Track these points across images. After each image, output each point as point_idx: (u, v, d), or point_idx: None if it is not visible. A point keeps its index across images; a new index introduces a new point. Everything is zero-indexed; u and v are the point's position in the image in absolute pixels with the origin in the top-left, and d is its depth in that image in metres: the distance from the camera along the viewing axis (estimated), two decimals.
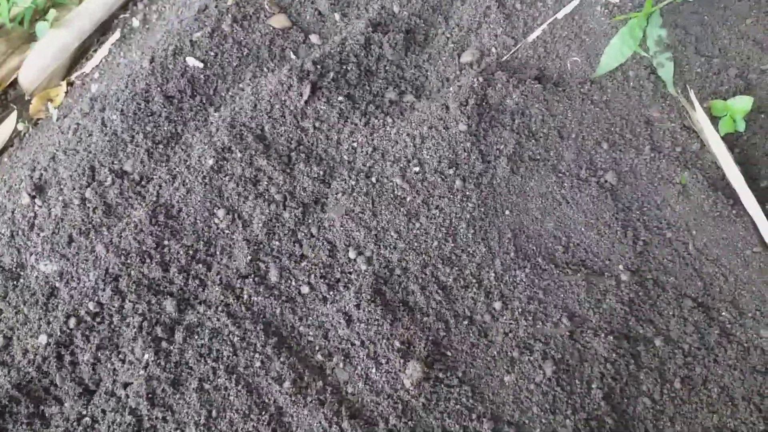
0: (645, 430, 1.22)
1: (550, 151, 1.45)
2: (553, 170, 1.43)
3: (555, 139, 1.46)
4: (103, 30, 2.24)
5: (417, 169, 1.39)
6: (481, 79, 1.44)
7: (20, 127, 1.98)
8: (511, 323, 1.28)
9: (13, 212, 1.47)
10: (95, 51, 2.15)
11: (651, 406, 1.24)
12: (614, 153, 1.48)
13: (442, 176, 1.38)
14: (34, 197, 1.46)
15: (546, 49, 1.57)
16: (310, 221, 1.38)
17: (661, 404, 1.24)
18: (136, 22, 2.13)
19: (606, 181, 1.45)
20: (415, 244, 1.34)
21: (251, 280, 1.32)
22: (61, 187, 1.44)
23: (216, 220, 1.37)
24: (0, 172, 1.75)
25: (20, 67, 2.40)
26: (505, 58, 1.56)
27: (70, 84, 2.08)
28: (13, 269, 1.39)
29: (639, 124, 1.51)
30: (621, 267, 1.36)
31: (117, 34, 2.11)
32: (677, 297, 1.34)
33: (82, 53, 2.21)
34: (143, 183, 1.42)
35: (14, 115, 2.01)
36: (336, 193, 1.39)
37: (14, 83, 2.41)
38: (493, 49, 1.57)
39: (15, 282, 1.37)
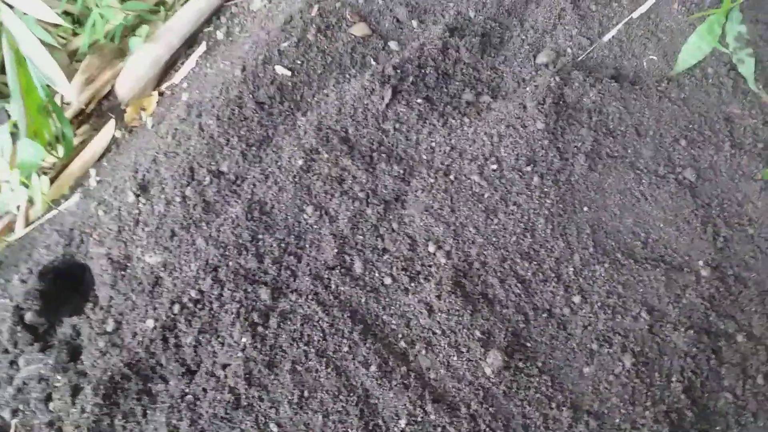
0: (726, 425, 1.21)
1: (627, 148, 1.46)
2: (631, 167, 1.44)
3: (633, 137, 1.47)
4: (189, 43, 2.40)
5: (495, 166, 1.43)
6: (558, 78, 1.47)
7: (117, 134, 2.15)
8: (590, 316, 1.30)
9: (119, 210, 1.61)
10: (183, 63, 2.31)
11: (733, 401, 1.23)
12: (693, 150, 1.47)
13: (520, 173, 1.42)
14: (138, 196, 1.59)
15: (622, 48, 1.58)
16: (391, 217, 1.44)
17: (743, 400, 1.23)
18: (220, 35, 2.28)
19: (685, 178, 1.44)
20: (494, 239, 1.38)
21: (338, 271, 1.39)
22: (163, 186, 1.57)
23: (305, 216, 1.46)
24: (102, 175, 1.91)
25: (113, 79, 2.60)
26: (580, 58, 1.58)
27: (161, 94, 2.24)
28: (121, 261, 1.52)
29: (718, 120, 1.50)
30: (701, 263, 1.35)
31: (203, 47, 2.26)
32: (760, 293, 1.32)
33: (170, 65, 2.37)
34: (238, 182, 1.52)
35: (112, 123, 2.18)
36: (416, 191, 1.45)
37: (108, 94, 2.61)
38: (569, 50, 1.60)
39: (123, 272, 1.50)
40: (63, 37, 2.59)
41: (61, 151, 2.12)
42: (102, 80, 2.64)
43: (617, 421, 1.22)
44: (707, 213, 1.40)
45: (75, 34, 2.69)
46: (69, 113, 2.32)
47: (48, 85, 1.97)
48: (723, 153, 1.46)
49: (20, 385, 1.42)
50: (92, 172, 1.89)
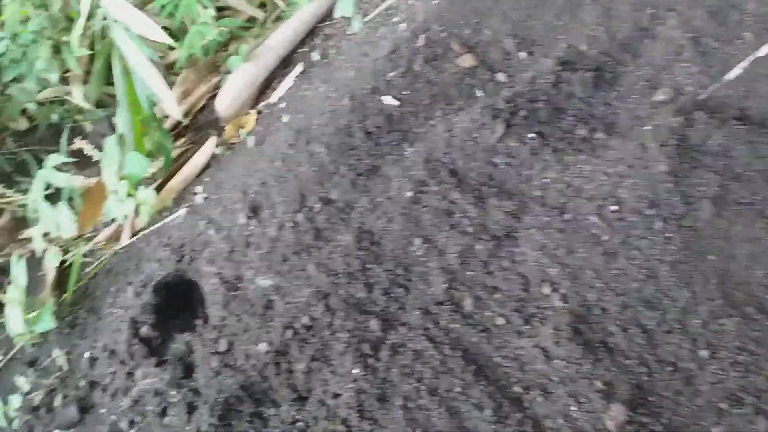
0: None
1: (756, 195, 1.36)
2: (761, 215, 1.34)
3: (762, 183, 1.36)
4: (284, 64, 2.43)
5: (614, 207, 1.36)
6: (681, 119, 1.39)
7: (217, 150, 2.20)
8: (719, 373, 1.21)
9: (230, 230, 1.63)
10: (279, 82, 2.34)
11: None
12: None
13: (642, 216, 1.34)
14: (250, 218, 1.61)
15: (746, 87, 1.48)
16: (502, 254, 1.39)
17: None
18: (315, 57, 2.29)
19: None
20: (614, 284, 1.31)
21: (447, 307, 1.35)
22: (274, 210, 1.58)
23: (413, 248, 1.43)
24: (208, 192, 1.95)
25: (207, 94, 2.67)
26: (701, 97, 1.49)
27: (259, 112, 2.28)
28: (232, 281, 1.54)
29: None
30: None
31: (299, 68, 2.28)
32: None
33: (267, 85, 2.41)
34: (347, 210, 1.51)
35: (213, 140, 2.23)
36: (528, 228, 1.40)
37: (202, 108, 2.68)
38: (688, 88, 1.51)
39: (234, 293, 1.52)
40: (160, 52, 2.68)
41: (160, 163, 2.18)
42: (197, 94, 2.71)
43: None
44: None
45: (171, 49, 2.78)
46: (166, 126, 2.39)
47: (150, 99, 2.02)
48: None
49: (137, 397, 1.45)
50: (199, 189, 1.94)
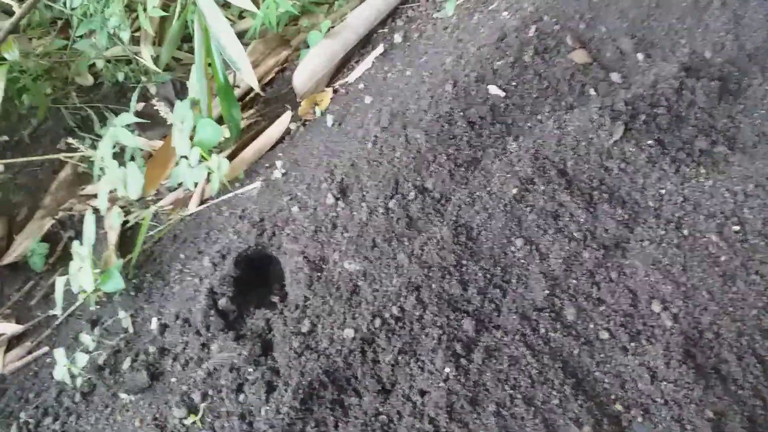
0: None
1: None
2: None
3: None
4: (362, 44, 2.42)
5: (737, 228, 1.33)
6: None
7: (291, 125, 2.20)
8: None
9: (315, 209, 1.63)
10: (357, 62, 2.33)
11: None
12: None
13: (766, 240, 1.31)
14: (338, 199, 1.60)
15: None
16: (609, 265, 1.37)
17: None
18: (397, 38, 2.27)
19: None
20: (731, 308, 1.28)
21: (547, 314, 1.34)
22: (365, 193, 1.57)
23: (513, 249, 1.41)
24: (287, 168, 1.94)
25: (277, 66, 2.67)
26: None
27: (335, 91, 2.27)
28: (317, 262, 1.54)
29: None
30: None
31: (380, 48, 2.27)
32: None
33: (344, 63, 2.41)
34: (443, 202, 1.50)
35: (288, 114, 2.23)
36: (640, 240, 1.37)
37: (271, 82, 2.69)
38: None
39: (319, 274, 1.52)
40: (230, 20, 2.69)
41: (228, 132, 2.19)
42: (266, 67, 2.72)
43: None
44: None
45: (241, 18, 2.79)
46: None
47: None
48: None
49: (211, 370, 1.47)
50: (277, 163, 1.94)
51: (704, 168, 1.41)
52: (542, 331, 1.32)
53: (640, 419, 1.21)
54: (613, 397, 1.25)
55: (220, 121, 2.13)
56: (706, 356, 1.24)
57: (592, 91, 1.60)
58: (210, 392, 1.44)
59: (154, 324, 1.67)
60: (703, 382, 1.21)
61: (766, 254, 1.30)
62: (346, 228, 1.55)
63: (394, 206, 1.51)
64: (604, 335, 1.30)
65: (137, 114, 2.12)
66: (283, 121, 2.22)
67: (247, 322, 1.54)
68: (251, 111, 2.59)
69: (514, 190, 1.44)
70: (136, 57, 2.60)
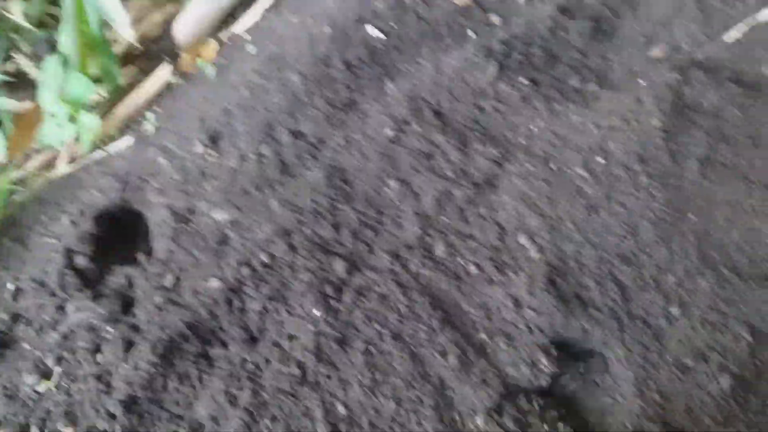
0: None
1: (742, 158, 1.42)
2: (744, 179, 1.40)
3: (749, 147, 1.42)
4: None
5: (602, 160, 1.39)
6: (678, 76, 1.42)
7: (172, 79, 2.11)
8: (688, 330, 1.26)
9: (184, 159, 1.57)
10: (245, 12, 2.26)
11: None
12: None
13: (628, 171, 1.38)
14: (207, 147, 1.56)
15: (741, 50, 1.53)
16: (480, 201, 1.40)
17: None
18: None
19: None
20: (593, 238, 1.34)
21: (418, 252, 1.36)
22: (236, 140, 1.53)
23: (387, 190, 1.42)
24: (161, 122, 1.87)
25: (161, 21, 2.55)
26: (698, 56, 1.53)
27: (220, 43, 2.19)
28: (184, 213, 1.49)
29: None
30: None
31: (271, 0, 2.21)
32: None
33: (231, 13, 2.33)
34: (318, 145, 1.49)
35: (167, 67, 2.14)
36: (510, 176, 1.42)
37: (157, 39, 2.56)
38: (684, 46, 1.55)
39: (185, 225, 1.47)
40: None
41: (106, 89, 2.08)
42: (152, 21, 2.59)
43: None
44: None
45: None
46: (115, 52, 2.27)
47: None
48: None
49: (67, 333, 1.40)
50: (150, 116, 1.86)
51: (575, 105, 1.47)
52: (412, 268, 1.34)
53: (503, 346, 1.26)
54: (478, 327, 1.29)
55: (99, 80, 2.02)
56: (569, 284, 1.30)
57: (471, 34, 1.62)
58: (65, 355, 1.37)
59: (8, 289, 1.57)
60: (564, 307, 1.26)
61: (629, 185, 1.38)
62: (215, 177, 1.51)
63: (266, 152, 1.48)
64: (473, 269, 1.33)
65: (7, 74, 1.97)
66: (161, 75, 2.13)
67: (108, 280, 1.48)
68: (133, 68, 2.46)
69: (390, 132, 1.45)
70: (5, 12, 2.40)
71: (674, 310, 1.29)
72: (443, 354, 1.25)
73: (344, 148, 1.46)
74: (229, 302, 1.34)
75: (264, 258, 1.36)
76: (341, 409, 1.22)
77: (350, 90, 1.54)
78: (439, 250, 1.36)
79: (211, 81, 1.93)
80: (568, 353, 1.28)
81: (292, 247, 1.37)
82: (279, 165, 1.46)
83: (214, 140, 1.57)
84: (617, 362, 1.25)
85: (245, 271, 1.36)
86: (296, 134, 1.50)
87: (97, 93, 2.06)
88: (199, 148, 1.56)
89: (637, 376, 1.23)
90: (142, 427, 1.27)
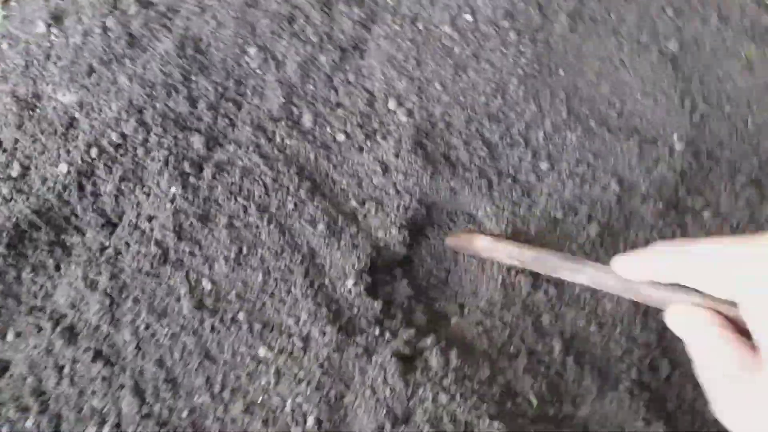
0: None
1: (611, 12, 1.40)
2: (614, 33, 1.39)
3: (618, 1, 1.41)
4: None
5: (469, 18, 1.35)
6: None
7: None
8: (557, 184, 1.28)
9: (27, 42, 1.43)
10: None
11: None
12: (679, 20, 1.44)
13: (496, 28, 1.34)
14: (50, 26, 1.41)
15: None
16: (347, 67, 1.35)
17: None
18: None
19: (667, 49, 1.41)
20: (461, 98, 1.32)
21: (284, 123, 1.30)
22: (80, 15, 1.40)
23: (247, 59, 1.34)
24: (10, 15, 1.69)
25: None
26: None
27: None
28: (29, 99, 1.37)
29: None
30: (675, 137, 1.35)
31: None
32: (731, 172, 1.34)
33: None
34: (170, 15, 1.37)
35: None
36: (377, 39, 1.36)
37: None
38: None
39: (31, 112, 1.35)
40: None
41: None
42: None
43: (577, 290, 1.23)
44: (686, 87, 1.39)
45: None
46: None
47: None
48: (709, 26, 1.44)
49: None
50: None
51: None
52: (278, 140, 1.29)
53: (373, 211, 1.24)
54: (349, 195, 1.26)
55: None
56: (437, 145, 1.29)
57: None
58: None
59: None
60: (431, 168, 1.25)
61: (497, 42, 1.35)
62: (60, 57, 1.38)
63: (112, 25, 1.36)
64: (341, 137, 1.29)
65: None
66: None
67: None
68: None
69: None
70: None
71: (543, 165, 1.30)
72: (312, 223, 1.23)
73: (197, 15, 1.35)
74: (81, 187, 1.26)
75: (115, 138, 1.27)
76: (207, 285, 1.19)
77: None
78: (306, 119, 1.31)
79: None
80: (437, 215, 1.29)
81: (145, 125, 1.28)
82: (126, 38, 1.35)
83: (57, 18, 1.42)
84: (486, 219, 1.27)
85: (95, 152, 1.27)
86: (144, 3, 1.38)
87: None
88: (42, 29, 1.42)
89: (506, 232, 1.25)
90: (0, 323, 1.21)
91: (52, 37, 1.42)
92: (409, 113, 1.31)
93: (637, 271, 0.83)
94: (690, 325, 0.75)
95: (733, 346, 0.70)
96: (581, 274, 0.97)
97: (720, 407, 0.71)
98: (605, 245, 1.25)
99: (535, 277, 1.25)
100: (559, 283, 1.26)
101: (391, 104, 1.31)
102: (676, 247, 0.76)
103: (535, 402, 1.16)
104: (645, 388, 1.21)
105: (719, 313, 0.74)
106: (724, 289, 0.71)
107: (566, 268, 1.00)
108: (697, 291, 0.76)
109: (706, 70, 1.41)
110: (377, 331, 1.14)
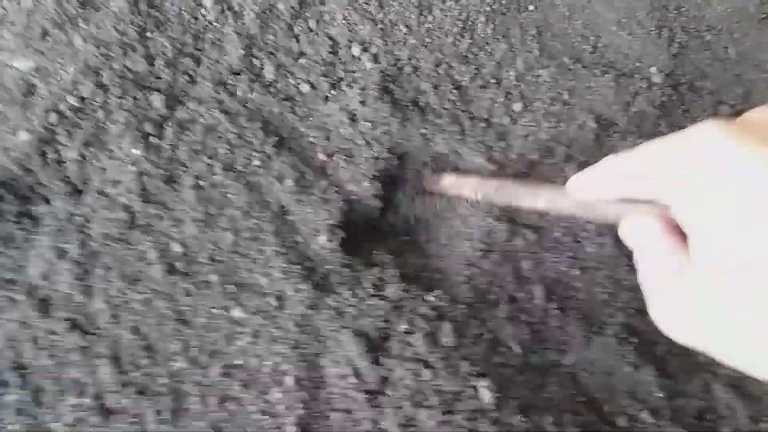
0: None
1: None
2: None
3: None
4: None
5: None
6: None
7: None
8: (531, 125, 1.23)
9: None
10: None
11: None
12: None
13: None
14: None
15: None
16: (308, 14, 1.28)
17: None
18: None
19: None
20: (428, 40, 1.25)
21: (245, 77, 1.24)
22: None
23: (203, 12, 1.27)
24: None
25: None
26: None
27: None
28: None
29: None
30: (653, 69, 1.28)
31: None
32: (713, 103, 1.28)
33: None
34: None
35: None
36: None
37: None
38: None
39: None
40: None
41: None
42: None
43: (558, 234, 1.20)
44: (663, 16, 1.31)
45: None
46: None
47: None
48: None
49: None
50: None
51: None
52: (240, 94, 1.23)
53: (342, 164, 1.19)
54: (316, 148, 1.21)
55: None
56: (405, 90, 1.23)
57: None
58: None
59: None
60: (400, 114, 1.20)
61: None
62: (13, 23, 1.31)
63: None
64: (305, 88, 1.24)
65: None
66: None
67: None
68: None
69: None
70: None
71: (517, 106, 1.24)
72: (280, 179, 1.18)
73: None
74: (43, 154, 1.22)
75: (73, 102, 1.22)
76: (177, 248, 1.15)
77: None
78: (268, 71, 1.25)
79: None
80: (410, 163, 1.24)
81: (103, 86, 1.22)
82: None
83: None
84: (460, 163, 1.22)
85: (55, 118, 1.21)
86: None
87: None
88: None
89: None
90: None
91: (5, 2, 1.35)
92: (374, 58, 1.24)
93: (588, 190, 0.81)
94: (636, 233, 0.74)
95: (667, 246, 0.69)
96: (539, 198, 0.96)
97: (654, 310, 0.70)
98: None
99: (513, 222, 1.21)
100: (538, 228, 1.22)
101: (355, 50, 1.25)
102: (616, 160, 0.73)
103: (518, 350, 1.13)
104: (633, 333, 1.17)
105: (670, 221, 0.71)
106: (661, 194, 0.68)
107: (525, 194, 0.99)
108: (648, 202, 0.73)
109: None
110: (351, 291, 1.11)
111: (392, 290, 1.13)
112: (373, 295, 1.12)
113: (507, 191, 1.05)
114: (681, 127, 1.26)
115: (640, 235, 0.73)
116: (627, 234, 0.76)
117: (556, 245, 1.22)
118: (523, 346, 1.14)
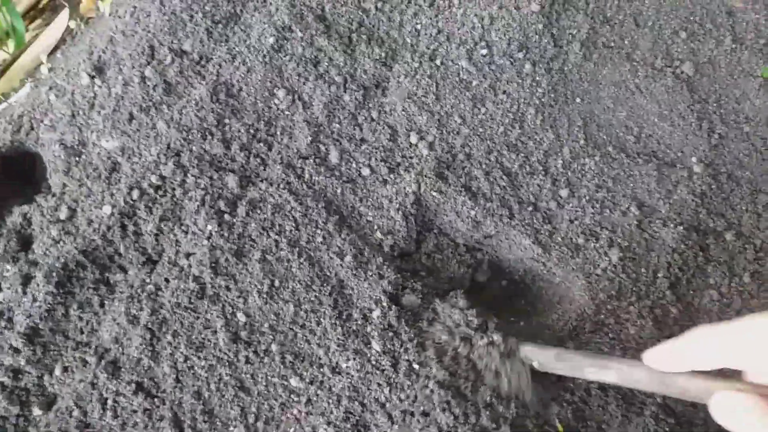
0: (710, 321, 1.19)
1: (624, 38, 1.36)
2: (627, 59, 1.35)
3: (630, 27, 1.37)
4: None
5: (484, 51, 1.32)
6: None
7: (72, 24, 1.96)
8: (577, 210, 1.24)
9: (72, 93, 1.46)
10: None
11: (718, 299, 1.20)
12: (692, 43, 1.39)
13: (511, 60, 1.32)
14: (93, 77, 1.44)
15: None
16: (370, 105, 1.33)
17: (728, 297, 1.20)
18: None
19: (682, 72, 1.36)
20: (480, 129, 1.29)
21: (312, 160, 1.29)
22: (120, 66, 1.42)
23: (276, 101, 1.34)
24: (55, 63, 1.74)
25: None
26: None
27: None
28: (75, 146, 1.39)
29: (720, 14, 1.41)
30: (694, 159, 1.29)
31: None
32: (752, 192, 1.27)
33: None
34: (203, 62, 1.38)
35: (66, 12, 1.98)
36: (398, 77, 1.34)
37: None
38: None
39: (77, 158, 1.38)
40: None
41: (11, 46, 1.94)
42: None
43: (602, 316, 1.18)
44: (703, 109, 1.34)
45: None
46: (20, 8, 2.12)
47: None
48: (723, 47, 1.38)
49: None
50: (43, 58, 1.72)
51: None
52: (306, 176, 1.28)
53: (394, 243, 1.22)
54: (375, 227, 1.24)
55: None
56: (458, 176, 1.26)
57: None
58: None
59: None
60: (454, 200, 1.22)
61: (512, 73, 1.32)
62: (102, 106, 1.40)
63: (150, 74, 1.38)
64: (366, 171, 1.28)
65: None
66: (61, 22, 1.97)
67: (6, 221, 1.38)
68: (39, 21, 2.29)
69: (272, 40, 1.35)
70: None
71: (563, 193, 1.26)
72: (340, 255, 1.21)
73: (228, 62, 1.36)
74: (124, 227, 1.27)
75: (154, 180, 1.28)
76: (242, 318, 1.18)
77: (231, 2, 1.43)
78: (333, 156, 1.30)
79: (106, 20, 1.79)
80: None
81: (182, 167, 1.29)
82: (163, 85, 1.36)
83: (99, 70, 1.45)
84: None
85: (136, 194, 1.28)
86: (178, 52, 1.39)
87: (3, 50, 1.93)
88: (86, 80, 1.44)
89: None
90: (48, 358, 1.21)
91: (95, 88, 1.44)
92: (430, 146, 1.28)
93: (676, 361, 0.73)
94: (737, 413, 0.68)
95: None
96: (608, 371, 0.85)
97: None
98: (627, 270, 1.20)
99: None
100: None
101: (413, 138, 1.29)
102: (716, 330, 0.68)
103: (561, 428, 1.10)
104: (670, 414, 1.14)
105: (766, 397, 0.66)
106: (752, 363, 0.64)
107: (591, 365, 0.88)
108: (738, 378, 0.69)
109: (723, 91, 1.35)
110: (404, 366, 1.11)
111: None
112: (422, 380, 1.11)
113: (570, 362, 0.92)
114: (721, 216, 1.26)
115: (745, 415, 0.67)
116: (725, 412, 0.70)
117: (599, 327, 1.20)
118: (565, 423, 1.12)
